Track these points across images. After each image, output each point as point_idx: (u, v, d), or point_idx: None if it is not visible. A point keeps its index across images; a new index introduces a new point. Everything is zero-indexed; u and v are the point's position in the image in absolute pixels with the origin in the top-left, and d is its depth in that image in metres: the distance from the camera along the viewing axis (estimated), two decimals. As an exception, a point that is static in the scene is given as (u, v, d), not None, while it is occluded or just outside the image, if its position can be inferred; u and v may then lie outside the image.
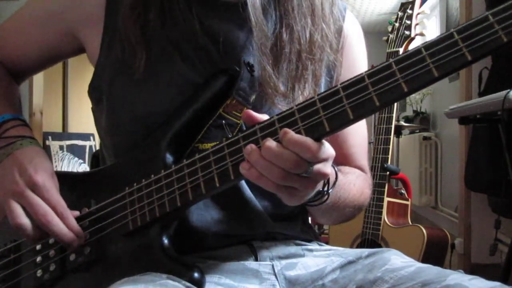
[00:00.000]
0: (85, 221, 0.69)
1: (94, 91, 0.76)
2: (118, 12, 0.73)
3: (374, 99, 0.52)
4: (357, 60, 0.83)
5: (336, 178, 0.67)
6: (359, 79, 0.53)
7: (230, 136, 0.60)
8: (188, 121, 0.68)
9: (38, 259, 0.70)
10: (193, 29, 0.70)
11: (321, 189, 0.63)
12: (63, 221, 0.66)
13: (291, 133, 0.53)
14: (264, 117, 0.58)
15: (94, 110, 0.80)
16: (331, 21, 0.75)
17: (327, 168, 0.56)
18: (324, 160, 0.55)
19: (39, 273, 0.70)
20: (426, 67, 0.50)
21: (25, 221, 0.66)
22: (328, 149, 0.55)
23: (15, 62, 0.84)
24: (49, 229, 0.65)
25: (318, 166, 0.55)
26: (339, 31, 0.79)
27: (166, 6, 0.71)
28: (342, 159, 0.80)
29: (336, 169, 0.67)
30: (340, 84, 0.54)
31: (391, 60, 0.52)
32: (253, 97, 0.70)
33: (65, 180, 0.74)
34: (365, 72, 0.53)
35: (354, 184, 0.76)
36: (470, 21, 0.49)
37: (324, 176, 0.56)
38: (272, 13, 0.72)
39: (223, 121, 0.70)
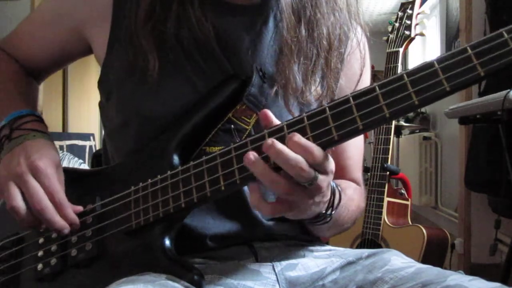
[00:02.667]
0: (89, 217, 0.69)
1: (104, 87, 0.77)
2: (125, 10, 0.74)
3: (384, 110, 0.52)
4: (364, 67, 0.83)
5: (340, 199, 0.66)
6: (369, 90, 0.53)
7: (238, 140, 0.59)
8: (197, 124, 0.68)
9: (40, 253, 0.71)
10: (207, 36, 0.71)
11: (324, 212, 0.63)
12: (59, 209, 0.66)
13: (298, 136, 0.53)
14: (278, 122, 0.58)
15: (103, 105, 0.80)
16: (357, 15, 0.77)
17: (324, 182, 0.55)
18: (328, 172, 0.55)
19: (39, 267, 0.70)
20: (439, 81, 0.50)
21: (19, 204, 0.66)
22: (331, 163, 0.55)
23: (30, 61, 0.87)
24: (42, 215, 0.65)
25: (321, 178, 0.54)
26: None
27: (181, 14, 0.72)
28: (338, 170, 0.79)
29: (339, 188, 0.67)
30: (351, 93, 0.54)
31: (402, 72, 0.52)
32: (263, 103, 0.70)
33: (71, 176, 0.74)
34: (376, 83, 0.53)
35: (353, 199, 0.77)
36: (484, 38, 0.49)
37: (319, 190, 0.55)
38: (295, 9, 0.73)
39: (232, 126, 0.70)
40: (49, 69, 0.90)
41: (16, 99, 0.80)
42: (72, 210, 0.67)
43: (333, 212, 0.65)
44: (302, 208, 0.58)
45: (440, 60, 0.50)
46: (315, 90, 0.73)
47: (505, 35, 0.48)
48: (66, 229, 0.66)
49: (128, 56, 0.72)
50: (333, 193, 0.64)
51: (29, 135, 0.73)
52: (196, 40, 0.71)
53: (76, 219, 0.67)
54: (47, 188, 0.66)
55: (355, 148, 0.83)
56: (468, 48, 0.49)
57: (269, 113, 0.58)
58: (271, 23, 0.75)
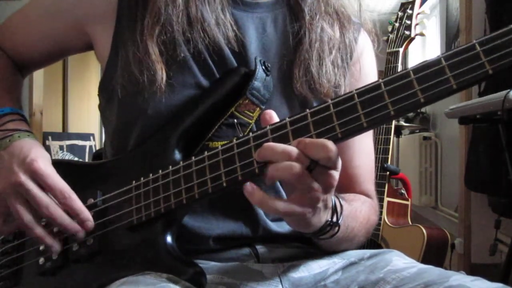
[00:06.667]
0: (91, 211, 0.68)
1: (106, 89, 0.75)
2: (131, 10, 0.72)
3: (389, 108, 0.51)
4: (368, 74, 0.82)
5: (341, 207, 0.64)
6: (374, 86, 0.52)
7: (241, 135, 0.59)
8: (199, 118, 0.68)
9: (42, 247, 0.71)
10: (224, 33, 0.70)
11: (329, 219, 0.61)
12: (71, 203, 0.65)
13: (309, 139, 0.53)
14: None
15: (103, 108, 0.79)
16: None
17: (336, 175, 0.54)
18: (338, 167, 0.53)
19: (41, 261, 0.70)
20: (446, 79, 0.49)
21: (29, 219, 0.65)
22: (339, 159, 0.54)
23: (22, 54, 0.85)
24: (53, 221, 0.65)
25: (332, 172, 0.53)
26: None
27: (192, 11, 0.70)
28: (346, 180, 0.77)
29: (339, 198, 0.65)
30: (355, 90, 0.53)
31: (409, 68, 0.51)
32: (267, 97, 0.69)
33: (71, 169, 0.73)
34: (382, 79, 0.52)
35: (360, 211, 0.74)
36: (493, 34, 0.48)
37: (330, 181, 0.54)
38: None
39: (235, 120, 0.69)
40: (41, 62, 0.88)
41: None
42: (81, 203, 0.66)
43: (340, 220, 0.62)
44: (310, 206, 0.55)
45: (447, 57, 0.49)
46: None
47: None
48: (80, 232, 0.66)
49: (133, 67, 0.69)
50: (333, 201, 0.62)
51: (14, 135, 0.71)
52: (209, 38, 0.69)
53: (88, 215, 0.66)
54: (53, 187, 0.65)
55: (365, 157, 0.80)
56: (476, 44, 0.48)
57: (273, 114, 0.58)
58: (288, 24, 0.74)
